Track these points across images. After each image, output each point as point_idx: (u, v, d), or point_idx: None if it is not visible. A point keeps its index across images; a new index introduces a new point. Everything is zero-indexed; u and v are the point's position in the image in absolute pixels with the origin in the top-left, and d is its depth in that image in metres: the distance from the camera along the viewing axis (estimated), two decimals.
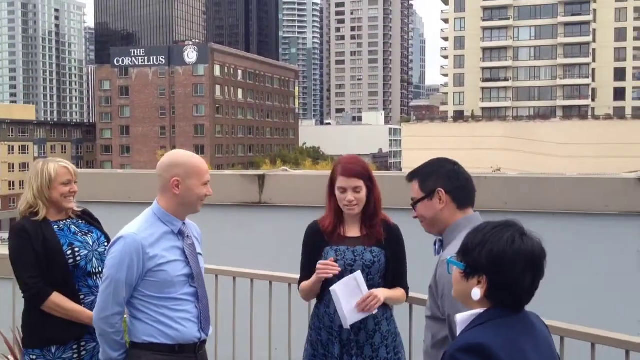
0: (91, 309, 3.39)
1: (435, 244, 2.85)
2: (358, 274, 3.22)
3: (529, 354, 1.89)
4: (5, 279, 4.81)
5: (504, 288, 1.93)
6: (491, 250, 1.93)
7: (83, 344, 3.54)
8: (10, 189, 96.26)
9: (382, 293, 3.25)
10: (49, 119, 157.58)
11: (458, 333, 1.98)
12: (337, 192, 3.35)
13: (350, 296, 3.20)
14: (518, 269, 1.91)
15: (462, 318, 1.99)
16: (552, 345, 2.05)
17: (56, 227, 3.55)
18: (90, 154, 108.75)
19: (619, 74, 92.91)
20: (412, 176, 2.88)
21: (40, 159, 3.70)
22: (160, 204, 3.12)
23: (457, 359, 1.87)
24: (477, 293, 1.95)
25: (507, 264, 1.91)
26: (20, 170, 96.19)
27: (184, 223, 3.18)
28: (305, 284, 3.42)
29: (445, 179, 2.79)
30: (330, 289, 3.22)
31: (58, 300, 3.43)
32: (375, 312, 3.23)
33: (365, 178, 3.33)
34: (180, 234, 3.14)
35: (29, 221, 3.50)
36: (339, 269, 3.25)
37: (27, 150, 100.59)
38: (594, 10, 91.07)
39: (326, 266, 3.24)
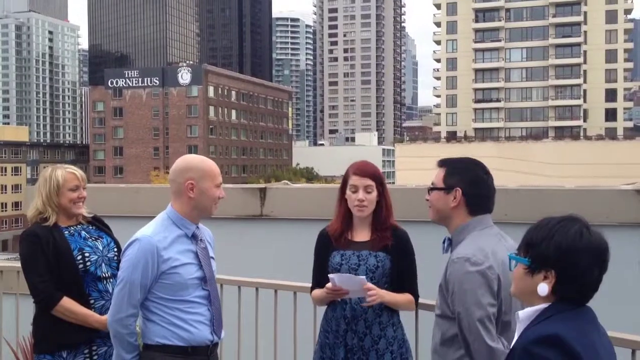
0: (101, 314, 3.43)
1: (444, 242, 2.86)
2: (362, 279, 3.19)
3: (598, 346, 1.88)
4: (9, 294, 4.82)
5: (571, 282, 1.91)
6: (560, 244, 1.91)
7: (94, 348, 3.55)
8: (2, 211, 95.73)
9: (383, 293, 3.23)
10: (42, 140, 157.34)
11: (520, 330, 1.95)
12: (348, 192, 3.36)
13: (349, 286, 3.20)
14: (586, 263, 1.90)
15: (526, 314, 1.96)
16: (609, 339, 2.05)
17: (66, 232, 3.58)
18: None
19: (610, 95, 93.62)
20: (443, 163, 2.89)
21: (49, 166, 3.73)
22: (175, 208, 3.15)
23: (531, 352, 1.82)
24: (544, 288, 1.92)
25: (576, 258, 1.90)
26: (12, 192, 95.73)
27: (197, 227, 3.21)
28: (317, 294, 3.43)
29: (468, 183, 2.80)
30: (330, 276, 3.22)
31: (68, 304, 3.45)
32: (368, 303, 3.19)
33: (377, 180, 3.36)
34: (194, 237, 3.16)
35: (40, 226, 3.53)
36: (347, 293, 3.25)
37: (20, 171, 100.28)
38: (585, 32, 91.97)
39: (335, 292, 3.25)
